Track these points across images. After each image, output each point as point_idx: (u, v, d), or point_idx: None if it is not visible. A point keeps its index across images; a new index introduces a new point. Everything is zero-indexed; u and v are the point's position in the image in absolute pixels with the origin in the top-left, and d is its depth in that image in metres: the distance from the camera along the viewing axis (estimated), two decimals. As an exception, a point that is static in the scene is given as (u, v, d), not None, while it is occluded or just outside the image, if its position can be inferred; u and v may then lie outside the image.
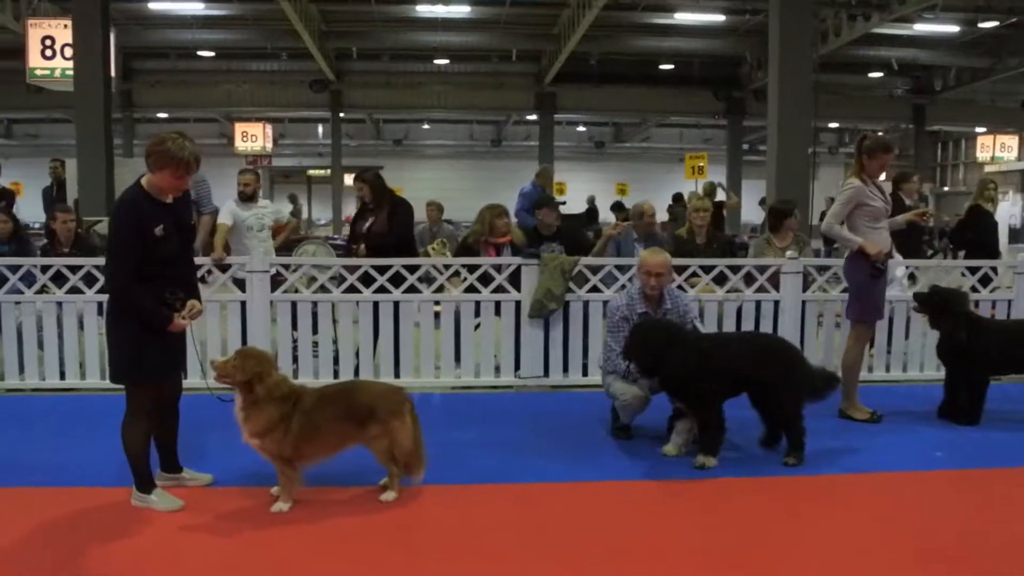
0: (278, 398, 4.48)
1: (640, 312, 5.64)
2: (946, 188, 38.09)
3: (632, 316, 5.62)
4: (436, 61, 27.85)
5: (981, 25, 22.26)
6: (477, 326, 7.48)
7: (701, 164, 22.07)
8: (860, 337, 6.40)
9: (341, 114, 31.73)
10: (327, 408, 4.57)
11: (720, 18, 23.57)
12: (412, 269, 7.30)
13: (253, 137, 30.45)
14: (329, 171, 39.40)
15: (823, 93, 28.33)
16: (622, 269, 7.40)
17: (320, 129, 36.93)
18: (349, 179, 38.60)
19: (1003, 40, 23.97)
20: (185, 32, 24.93)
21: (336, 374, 7.38)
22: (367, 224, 7.81)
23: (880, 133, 6.89)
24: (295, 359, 7.40)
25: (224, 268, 7.33)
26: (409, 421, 4.68)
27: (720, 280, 7.51)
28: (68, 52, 15.09)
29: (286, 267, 7.43)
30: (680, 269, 7.44)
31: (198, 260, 7.23)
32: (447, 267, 7.40)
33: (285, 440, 4.46)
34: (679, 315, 5.73)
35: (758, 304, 7.56)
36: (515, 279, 7.35)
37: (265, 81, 28.64)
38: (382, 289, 7.26)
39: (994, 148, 31.14)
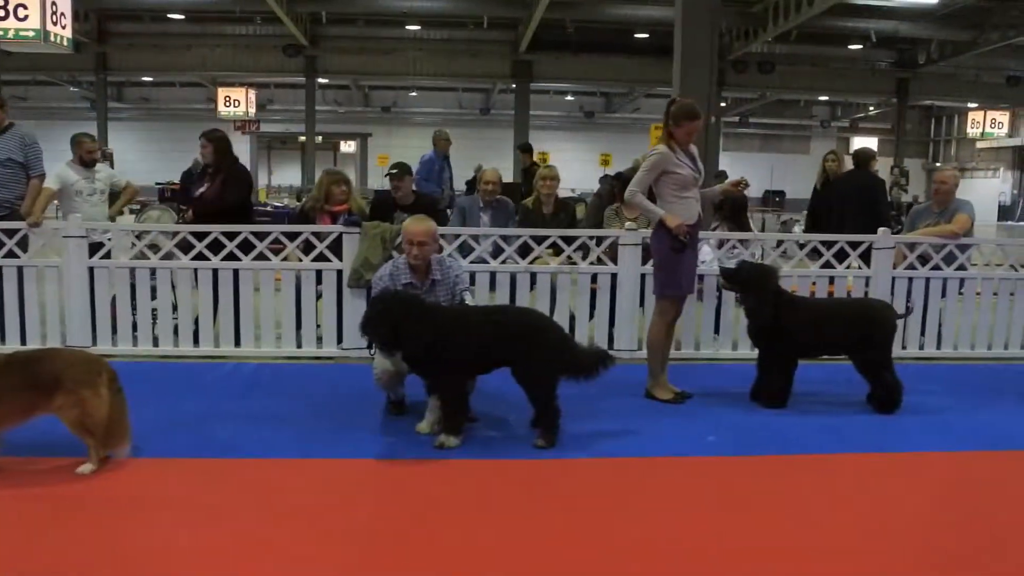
0: (-47, 362, 4.28)
1: (404, 283, 5.37)
2: (938, 163, 37.32)
3: (396, 287, 5.34)
4: (409, 27, 27.40)
5: (958, -4, 21.66)
6: (319, 296, 7.25)
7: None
8: (664, 313, 6.09)
9: (320, 79, 31.50)
10: (8, 376, 4.34)
11: (692, -15, 22.98)
12: (233, 236, 7.04)
13: (236, 102, 30.21)
14: (321, 138, 39.48)
15: (804, 64, 27.92)
16: (456, 238, 7.17)
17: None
18: (348, 147, 38.95)
19: (984, 13, 23.31)
20: (154, -6, 24.73)
21: (156, 341, 7.19)
22: (200, 189, 7.57)
23: (688, 100, 6.39)
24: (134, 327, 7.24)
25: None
26: (105, 392, 4.45)
27: (560, 251, 7.23)
28: (21, 12, 14.82)
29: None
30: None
31: (16, 224, 7.11)
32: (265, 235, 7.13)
33: (-38, 406, 4.25)
34: (449, 286, 5.46)
35: (594, 276, 7.28)
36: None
37: (240, 45, 28.32)
38: (204, 256, 7.04)
39: (984, 124, 30.40)
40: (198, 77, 31.64)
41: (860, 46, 27.10)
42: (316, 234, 7.12)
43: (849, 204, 8.63)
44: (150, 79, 34.70)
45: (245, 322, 7.18)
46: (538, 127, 35.11)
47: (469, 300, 5.45)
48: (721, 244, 7.53)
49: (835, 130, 38.87)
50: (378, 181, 23.81)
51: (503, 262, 7.16)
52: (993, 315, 7.91)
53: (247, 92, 30.04)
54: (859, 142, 38.12)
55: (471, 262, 7.14)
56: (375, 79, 33.40)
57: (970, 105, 31.45)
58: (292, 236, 7.14)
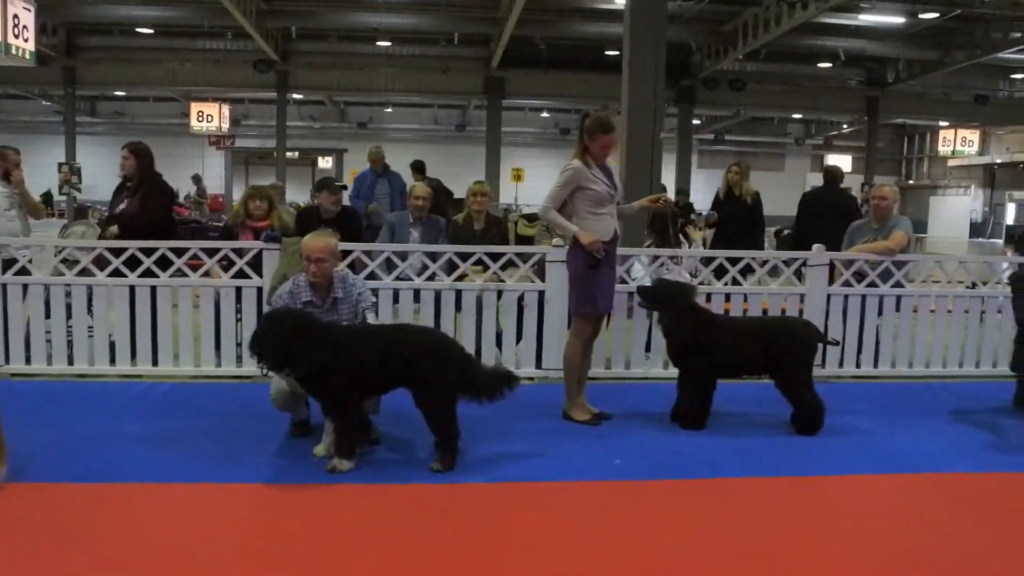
0: None
1: (304, 301, 5.21)
2: (911, 181, 37.48)
3: (296, 305, 5.19)
4: (381, 43, 27.31)
5: (922, 16, 21.75)
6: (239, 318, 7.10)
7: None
8: (580, 331, 5.96)
9: (295, 95, 31.42)
10: None
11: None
12: (151, 252, 6.88)
13: (209, 117, 30.16)
14: (298, 154, 39.29)
15: (774, 82, 27.99)
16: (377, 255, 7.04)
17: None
18: (326, 162, 38.96)
19: (949, 33, 23.45)
20: (122, 8, 24.47)
21: (71, 360, 7.01)
22: (121, 206, 7.40)
23: (604, 111, 6.35)
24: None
25: None
26: (-25, 414, 4.28)
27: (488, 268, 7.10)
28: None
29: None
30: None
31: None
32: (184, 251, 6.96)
33: None
34: (352, 304, 5.30)
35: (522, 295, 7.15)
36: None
37: (210, 60, 28.08)
38: (121, 273, 6.88)
39: (955, 142, 30.73)
40: (170, 92, 31.46)
41: (829, 64, 27.18)
42: (237, 250, 6.97)
43: (821, 219, 8.56)
44: (123, 93, 34.49)
45: (163, 340, 7.00)
46: (513, 144, 35.10)
47: (372, 318, 5.30)
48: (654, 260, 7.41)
49: (809, 148, 39.00)
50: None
51: (428, 279, 7.02)
52: (931, 333, 7.80)
53: (220, 107, 30.00)
54: (833, 159, 38.23)
55: (396, 279, 7.01)
56: (348, 95, 33.33)
57: (941, 123, 31.64)
58: (213, 252, 6.98)
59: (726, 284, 7.35)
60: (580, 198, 5.76)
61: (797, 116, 35.95)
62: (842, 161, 36.74)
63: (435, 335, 5.21)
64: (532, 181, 35.08)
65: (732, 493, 4.79)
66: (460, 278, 7.06)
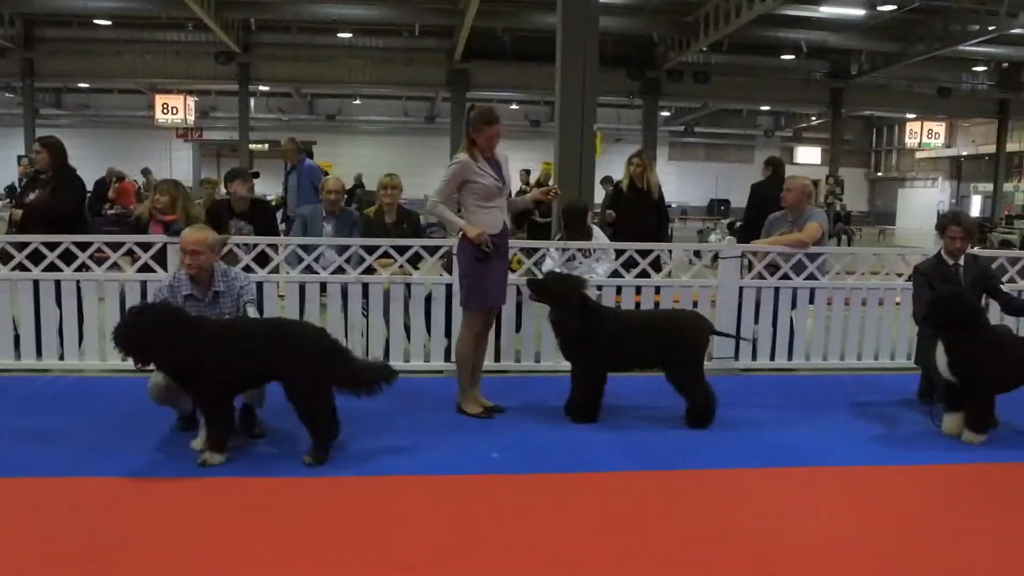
0: None
1: (185, 295, 5.20)
2: (880, 173, 37.68)
3: (176, 299, 5.17)
4: (343, 35, 27.20)
5: (881, 8, 21.85)
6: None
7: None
8: (470, 325, 5.96)
9: (261, 87, 31.27)
10: None
11: (622, -5, 23.00)
12: (54, 247, 6.83)
13: (174, 109, 29.99)
14: (267, 146, 39.08)
15: (739, 74, 28.04)
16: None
17: (252, 102, 36.40)
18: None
19: (910, 25, 23.58)
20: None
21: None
22: (30, 196, 7.35)
23: (490, 105, 6.30)
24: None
25: None
26: None
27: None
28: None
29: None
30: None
31: None
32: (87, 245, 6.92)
33: None
34: (233, 298, 5.29)
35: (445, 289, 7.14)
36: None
37: (171, 52, 27.89)
38: (27, 267, 6.84)
39: (921, 134, 30.94)
40: (133, 84, 31.24)
41: (792, 57, 27.28)
42: (143, 244, 6.93)
43: (767, 208, 8.51)
44: (87, 85, 34.22)
45: (69, 334, 6.96)
46: (482, 136, 34.94)
47: (252, 312, 5.28)
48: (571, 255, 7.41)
49: (778, 140, 39.10)
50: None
51: (335, 272, 7.00)
52: (845, 325, 7.84)
53: (185, 99, 29.82)
54: (802, 152, 38.49)
55: (302, 271, 7.00)
56: (313, 87, 33.19)
57: (908, 116, 31.81)
58: (120, 246, 6.95)
59: (637, 277, 7.35)
60: (467, 191, 5.77)
61: (766, 108, 36.04)
62: (811, 153, 36.97)
63: (305, 328, 5.20)
64: (502, 173, 35.07)
65: (605, 486, 4.78)
66: (368, 272, 7.04)
